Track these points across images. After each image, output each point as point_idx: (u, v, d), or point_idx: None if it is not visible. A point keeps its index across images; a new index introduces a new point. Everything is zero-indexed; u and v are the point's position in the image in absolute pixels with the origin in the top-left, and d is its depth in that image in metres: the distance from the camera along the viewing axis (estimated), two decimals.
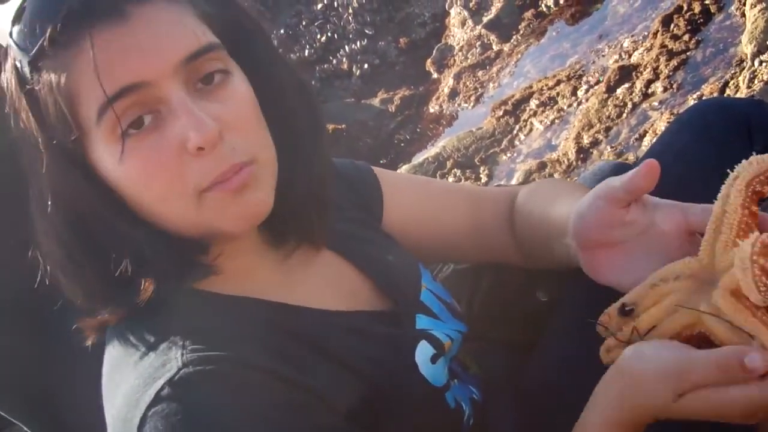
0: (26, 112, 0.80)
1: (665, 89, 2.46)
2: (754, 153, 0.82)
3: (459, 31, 3.91)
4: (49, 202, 0.81)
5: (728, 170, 1.05)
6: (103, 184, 0.81)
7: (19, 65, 0.80)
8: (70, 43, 0.76)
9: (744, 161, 0.81)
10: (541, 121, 2.92)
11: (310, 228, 0.96)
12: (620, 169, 1.30)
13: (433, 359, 0.97)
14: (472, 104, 3.48)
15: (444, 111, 3.61)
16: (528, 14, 3.59)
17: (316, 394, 0.81)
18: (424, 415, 0.94)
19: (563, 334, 1.13)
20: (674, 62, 2.50)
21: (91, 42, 0.75)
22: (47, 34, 0.76)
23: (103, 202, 0.81)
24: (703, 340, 0.76)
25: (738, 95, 1.98)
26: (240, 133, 0.82)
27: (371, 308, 0.99)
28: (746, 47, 2.04)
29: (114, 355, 0.84)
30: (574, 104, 2.84)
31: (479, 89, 3.51)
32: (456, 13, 3.95)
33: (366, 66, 4.18)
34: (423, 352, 0.96)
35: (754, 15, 2.02)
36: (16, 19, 0.79)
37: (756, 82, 1.91)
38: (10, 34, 0.80)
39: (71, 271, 0.83)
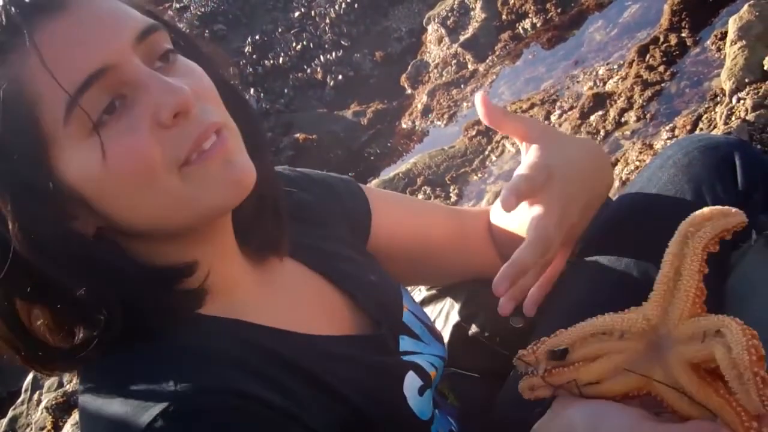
0: None
1: (638, 119, 2.47)
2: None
3: (435, 48, 3.91)
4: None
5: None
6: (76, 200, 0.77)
7: None
8: (14, 46, 0.72)
9: (695, 215, 0.76)
10: (513, 143, 2.91)
11: (266, 231, 0.94)
12: None
13: (421, 391, 0.95)
14: (444, 122, 3.47)
15: (416, 127, 3.60)
16: (505, 35, 3.60)
17: (306, 425, 0.78)
18: None
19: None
20: (648, 93, 2.51)
21: (33, 41, 0.71)
22: None
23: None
24: (646, 397, 0.72)
25: (714, 130, 1.99)
26: (208, 101, 0.80)
27: (355, 329, 0.97)
28: (725, 84, 2.06)
29: (95, 376, 0.81)
30: None
31: (453, 107, 3.51)
32: (433, 30, 3.95)
33: (340, 77, 4.16)
34: (411, 383, 0.94)
35: (734, 52, 2.04)
36: None
37: (733, 118, 1.92)
38: None
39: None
